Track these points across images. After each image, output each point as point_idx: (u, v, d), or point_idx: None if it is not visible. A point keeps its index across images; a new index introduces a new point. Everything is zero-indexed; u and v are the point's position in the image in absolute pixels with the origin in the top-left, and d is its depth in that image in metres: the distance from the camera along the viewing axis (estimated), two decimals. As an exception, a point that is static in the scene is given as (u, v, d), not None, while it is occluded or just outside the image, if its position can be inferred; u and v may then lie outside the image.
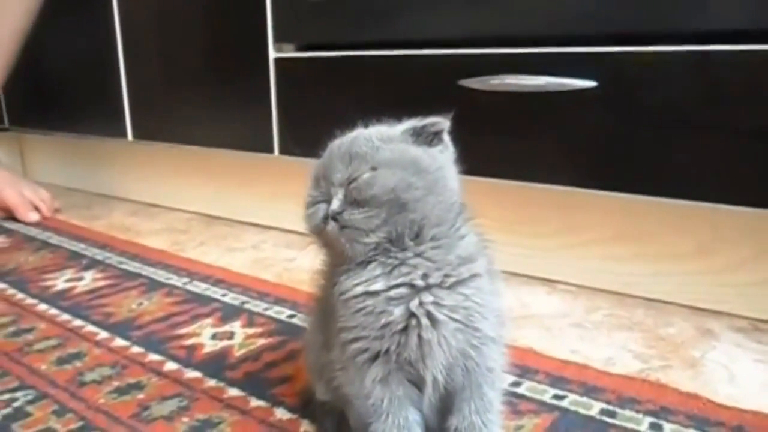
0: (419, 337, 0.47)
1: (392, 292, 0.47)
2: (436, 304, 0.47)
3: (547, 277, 0.98)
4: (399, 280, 0.47)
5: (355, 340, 0.48)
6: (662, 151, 0.79)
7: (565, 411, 0.62)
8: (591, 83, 0.81)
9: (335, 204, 0.47)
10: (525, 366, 0.69)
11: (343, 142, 0.50)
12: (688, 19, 0.76)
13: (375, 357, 0.48)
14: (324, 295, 0.54)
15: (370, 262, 0.47)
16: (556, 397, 0.64)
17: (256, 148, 1.20)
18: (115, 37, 1.39)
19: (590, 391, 0.65)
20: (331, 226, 0.47)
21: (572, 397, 0.64)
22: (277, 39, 1.12)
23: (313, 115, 1.10)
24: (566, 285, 0.97)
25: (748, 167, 0.75)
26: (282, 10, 1.10)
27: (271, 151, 1.17)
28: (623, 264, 0.92)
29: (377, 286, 0.47)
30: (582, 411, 0.62)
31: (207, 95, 1.28)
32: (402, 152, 0.48)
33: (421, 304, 0.47)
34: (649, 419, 0.60)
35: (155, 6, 1.33)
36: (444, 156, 0.50)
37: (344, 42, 1.05)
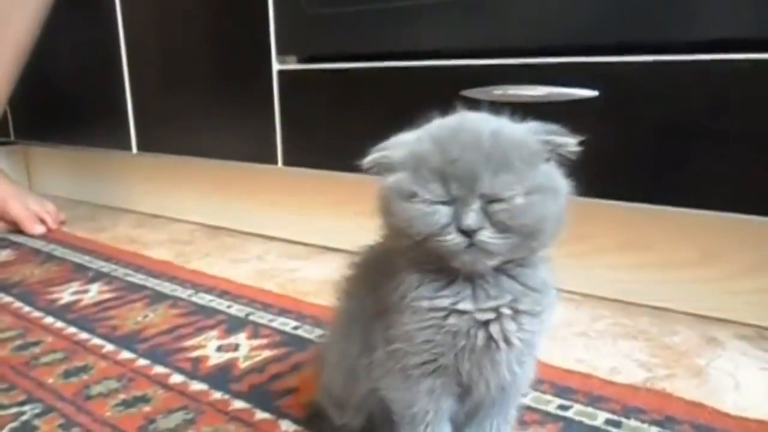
0: (492, 359, 0.45)
1: (479, 315, 0.44)
2: (517, 330, 0.45)
3: (551, 286, 0.98)
4: (488, 304, 0.44)
5: (418, 353, 0.45)
6: (665, 160, 0.80)
7: (570, 421, 0.62)
8: (593, 93, 0.82)
9: (472, 219, 0.40)
10: (530, 376, 0.69)
11: (480, 131, 0.42)
12: (689, 28, 0.76)
13: (434, 370, 0.46)
14: (370, 292, 0.49)
15: (458, 276, 0.43)
16: (561, 407, 0.64)
17: (260, 160, 1.20)
18: (120, 50, 1.40)
19: (595, 400, 0.65)
20: (458, 240, 0.41)
21: (577, 407, 0.64)
22: (281, 51, 1.13)
23: (317, 127, 1.11)
24: (570, 294, 0.97)
25: (751, 175, 0.75)
26: (285, 22, 1.11)
27: (274, 162, 1.17)
28: (627, 272, 0.92)
29: (466, 306, 0.43)
30: (587, 421, 0.62)
31: (211, 107, 1.29)
32: (551, 178, 0.43)
33: (502, 329, 0.44)
34: (654, 429, 0.60)
35: (159, 19, 1.34)
36: (563, 181, 0.45)
37: (347, 54, 1.06)
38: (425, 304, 0.44)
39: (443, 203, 0.41)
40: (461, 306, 0.43)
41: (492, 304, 0.44)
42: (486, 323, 0.44)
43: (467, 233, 0.41)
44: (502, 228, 0.41)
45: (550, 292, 0.47)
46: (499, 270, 0.44)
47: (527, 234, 0.42)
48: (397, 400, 0.48)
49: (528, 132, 0.44)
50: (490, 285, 0.44)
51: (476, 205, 0.41)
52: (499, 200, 0.41)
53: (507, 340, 0.45)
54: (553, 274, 0.48)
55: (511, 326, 0.44)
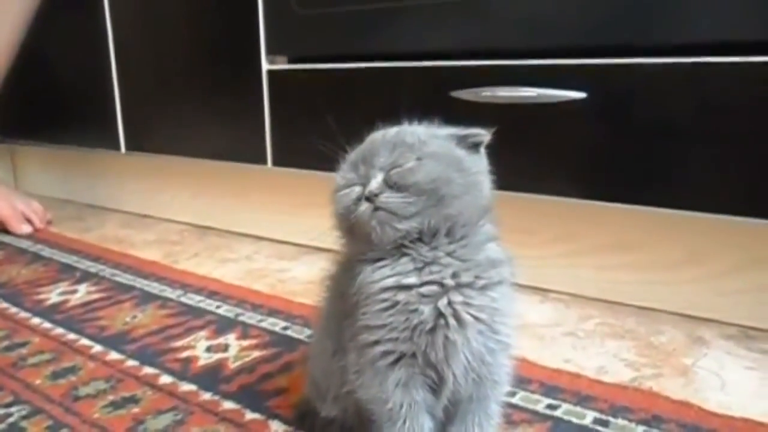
0: (446, 337, 0.47)
1: (424, 289, 0.47)
2: (465, 304, 0.47)
3: (539, 286, 0.99)
4: (430, 278, 0.47)
5: (380, 342, 0.48)
6: (652, 162, 0.80)
7: (558, 420, 0.62)
8: (581, 95, 0.82)
9: (374, 185, 0.47)
10: (518, 375, 0.69)
11: (387, 132, 0.51)
12: (677, 31, 0.77)
13: (398, 359, 0.48)
14: (338, 295, 0.53)
15: (401, 256, 0.48)
16: (550, 406, 0.65)
17: (250, 160, 1.20)
18: (108, 49, 1.39)
19: (583, 400, 0.66)
20: (365, 207, 0.47)
21: (565, 406, 0.65)
22: (270, 51, 1.13)
23: (306, 127, 1.11)
24: (558, 294, 0.97)
25: (737, 177, 0.76)
26: (274, 22, 1.11)
27: (264, 162, 1.17)
28: (615, 273, 0.93)
29: (410, 280, 0.47)
30: (575, 420, 0.62)
31: (200, 107, 1.29)
32: (448, 149, 0.49)
33: (449, 303, 0.47)
34: (641, 428, 0.60)
35: (148, 18, 1.34)
36: (482, 162, 0.51)
37: (337, 54, 1.06)
38: (375, 287, 0.48)
39: (356, 185, 0.48)
40: (405, 281, 0.47)
41: (434, 277, 0.47)
42: (432, 298, 0.47)
43: (371, 200, 0.47)
44: (398, 188, 0.47)
45: (500, 270, 0.49)
46: (437, 248, 0.47)
47: (428, 196, 0.46)
48: (372, 399, 0.50)
49: (435, 129, 0.51)
50: (432, 263, 0.47)
51: (380, 177, 0.47)
52: (397, 167, 0.47)
53: (457, 316, 0.47)
54: (504, 254, 0.50)
55: (456, 297, 0.47)
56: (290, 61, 1.13)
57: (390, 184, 0.47)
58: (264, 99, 1.14)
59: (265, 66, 1.13)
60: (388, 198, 0.46)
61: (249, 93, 1.16)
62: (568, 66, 0.84)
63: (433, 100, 0.94)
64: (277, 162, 1.16)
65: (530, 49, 0.87)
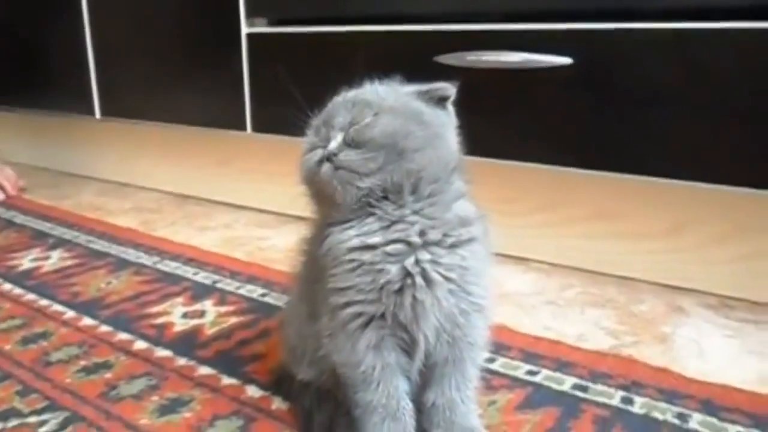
0: (414, 297, 0.46)
1: (389, 248, 0.46)
2: (432, 262, 0.46)
3: (520, 255, 0.98)
4: (396, 236, 0.46)
5: (349, 304, 0.47)
6: (637, 129, 0.79)
7: (538, 386, 0.62)
8: (567, 60, 0.81)
9: (332, 145, 0.46)
10: (499, 342, 0.69)
11: (348, 93, 0.50)
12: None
13: (368, 321, 0.48)
14: (311, 260, 0.53)
15: (367, 217, 0.47)
16: (530, 372, 0.64)
17: (229, 126, 1.18)
18: (82, 11, 1.35)
19: (563, 366, 0.65)
20: (326, 167, 0.46)
21: (545, 372, 0.64)
22: (250, 14, 1.09)
23: (287, 92, 1.08)
24: (540, 263, 0.97)
25: (722, 145, 0.75)
26: (254, -17, 1.08)
27: (243, 128, 1.15)
28: (597, 242, 0.93)
29: (375, 239, 0.46)
30: (555, 386, 0.62)
31: (178, 71, 1.25)
32: (406, 103, 0.48)
33: (417, 262, 0.46)
34: (620, 393, 0.60)
35: (123, -22, 1.29)
36: (446, 117, 0.50)
37: (318, 17, 1.03)
38: (342, 248, 0.47)
39: (318, 147, 0.48)
40: (370, 240, 0.46)
41: (400, 235, 0.46)
42: (399, 257, 0.46)
43: (331, 160, 0.46)
44: (356, 145, 0.46)
45: (470, 228, 0.48)
46: (404, 207, 0.47)
47: (387, 150, 0.45)
48: (345, 362, 0.49)
49: (400, 86, 0.50)
50: (398, 221, 0.47)
51: (339, 137, 0.47)
52: (355, 125, 0.47)
53: (425, 275, 0.46)
54: (475, 212, 0.49)
55: (424, 256, 0.46)
56: (270, 24, 1.10)
57: (349, 143, 0.46)
58: (243, 63, 1.11)
59: (245, 29, 1.10)
60: (347, 156, 0.46)
61: (228, 57, 1.12)
62: (555, 31, 0.82)
63: (416, 65, 0.91)
64: (256, 128, 1.14)
65: (516, 13, 0.85)
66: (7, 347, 0.71)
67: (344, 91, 0.51)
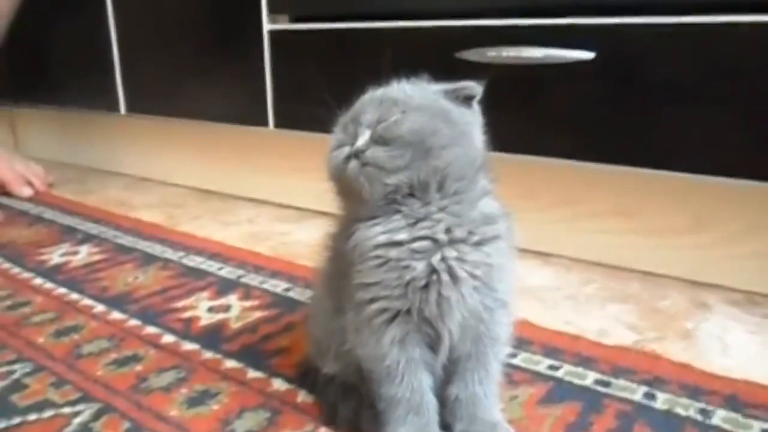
0: (439, 294, 0.47)
1: (415, 245, 0.47)
2: (458, 259, 0.47)
3: (541, 250, 0.98)
4: (422, 233, 0.47)
5: (375, 300, 0.48)
6: (659, 124, 0.79)
7: (559, 381, 0.62)
8: (589, 54, 0.81)
9: (360, 141, 0.47)
10: (520, 337, 0.69)
11: (376, 91, 0.51)
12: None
13: (394, 317, 0.48)
14: (337, 255, 0.54)
15: (393, 213, 0.48)
16: (551, 367, 0.65)
17: (251, 122, 1.19)
18: (107, 9, 1.37)
19: (584, 361, 0.66)
20: (353, 164, 0.47)
21: (567, 367, 0.65)
22: (272, 10, 1.10)
23: (309, 88, 1.09)
24: (560, 258, 0.97)
25: (745, 139, 0.75)
26: (276, -20, 1.08)
27: (266, 124, 1.16)
28: (618, 237, 0.93)
29: (401, 236, 0.47)
30: (576, 381, 0.62)
31: (201, 68, 1.27)
32: (433, 101, 0.49)
33: (443, 259, 0.47)
34: (643, 389, 0.60)
35: (147, -24, 1.31)
36: (472, 115, 0.51)
37: (340, 13, 1.04)
38: (368, 244, 0.48)
39: (346, 144, 0.48)
40: (396, 237, 0.47)
41: (426, 232, 0.47)
42: (425, 254, 0.47)
43: (358, 157, 0.47)
44: (384, 143, 0.47)
45: (495, 225, 0.49)
46: (430, 204, 0.47)
47: (414, 148, 0.46)
48: (370, 357, 0.50)
49: (426, 85, 0.51)
50: (424, 218, 0.47)
51: (367, 134, 0.47)
52: (382, 122, 0.47)
53: (451, 272, 0.47)
54: (500, 210, 0.50)
55: (450, 253, 0.47)
56: (292, 21, 1.11)
57: (376, 140, 0.47)
58: (265, 59, 1.13)
59: (267, 26, 1.11)
60: (375, 153, 0.46)
61: (250, 53, 1.14)
62: (576, 26, 0.82)
63: (437, 61, 0.92)
64: (279, 124, 1.15)
65: (538, 8, 0.85)
66: (41, 340, 0.73)
67: (372, 89, 0.51)
